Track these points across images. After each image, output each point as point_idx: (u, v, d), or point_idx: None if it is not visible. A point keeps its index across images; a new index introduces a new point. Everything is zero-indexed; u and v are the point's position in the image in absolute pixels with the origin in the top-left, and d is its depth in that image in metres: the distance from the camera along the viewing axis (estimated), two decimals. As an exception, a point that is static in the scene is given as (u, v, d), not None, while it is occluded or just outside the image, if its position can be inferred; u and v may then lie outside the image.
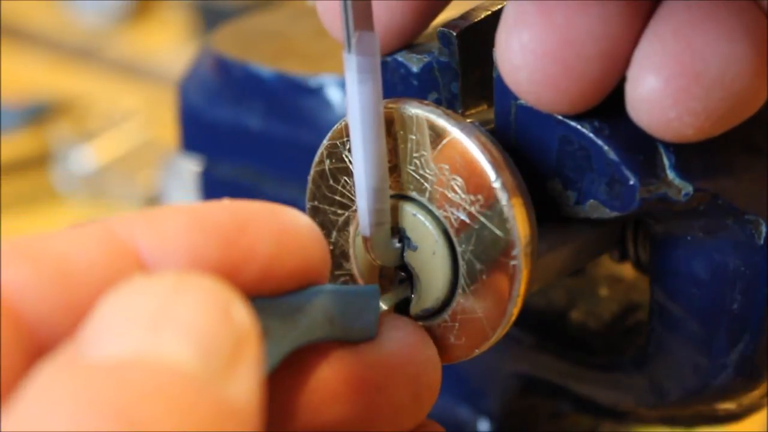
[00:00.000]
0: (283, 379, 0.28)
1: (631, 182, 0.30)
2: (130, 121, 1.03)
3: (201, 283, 0.23)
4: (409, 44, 0.33)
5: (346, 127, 0.30)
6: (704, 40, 0.27)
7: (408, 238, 0.31)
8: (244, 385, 0.22)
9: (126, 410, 0.20)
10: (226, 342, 0.22)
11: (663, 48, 0.27)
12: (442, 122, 0.29)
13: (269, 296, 0.27)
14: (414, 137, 0.30)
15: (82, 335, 0.22)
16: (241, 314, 0.23)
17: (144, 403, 0.20)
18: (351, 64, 0.28)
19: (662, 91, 0.27)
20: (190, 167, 0.50)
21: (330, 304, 0.28)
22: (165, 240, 0.25)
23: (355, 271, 0.32)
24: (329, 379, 0.28)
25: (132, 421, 0.20)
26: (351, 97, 0.29)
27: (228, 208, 0.26)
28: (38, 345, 0.23)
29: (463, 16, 0.33)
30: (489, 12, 0.33)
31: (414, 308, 0.31)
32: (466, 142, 0.29)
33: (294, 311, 0.27)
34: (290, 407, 0.28)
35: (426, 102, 0.30)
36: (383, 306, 0.31)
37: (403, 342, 0.29)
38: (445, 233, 0.30)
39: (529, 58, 0.28)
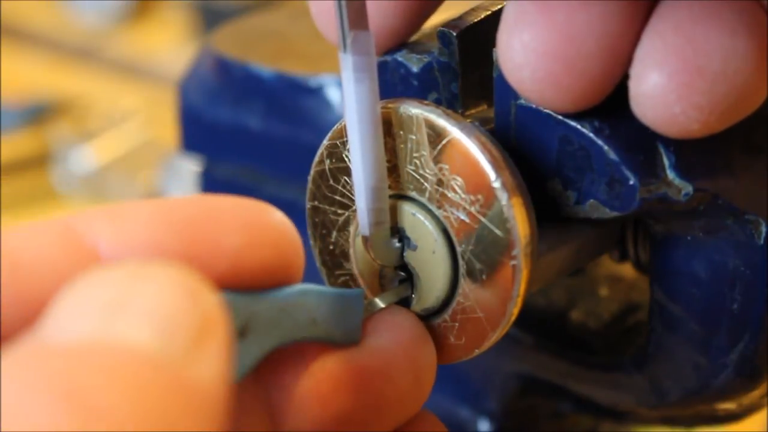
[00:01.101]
0: (291, 373, 0.28)
1: (631, 182, 0.30)
2: (130, 121, 1.03)
3: (163, 269, 0.23)
4: (402, 44, 0.33)
5: (346, 126, 0.30)
6: (705, 35, 0.27)
7: (408, 238, 0.31)
8: (210, 367, 0.22)
9: (79, 393, 0.20)
10: (189, 324, 0.22)
11: (664, 44, 0.27)
12: (441, 122, 0.29)
13: (249, 291, 0.27)
14: (414, 137, 0.30)
15: (41, 324, 0.22)
16: (207, 298, 0.23)
17: (98, 385, 0.20)
18: (347, 63, 0.28)
19: (666, 87, 0.27)
20: (190, 167, 0.50)
21: (314, 304, 0.28)
22: (125, 235, 0.25)
23: (355, 271, 0.32)
24: (335, 369, 0.28)
25: (86, 404, 0.20)
26: (348, 96, 0.29)
27: (194, 201, 0.26)
28: None
29: (463, 16, 0.33)
30: (489, 12, 0.33)
31: (414, 308, 0.31)
32: (466, 142, 0.29)
33: (276, 309, 0.27)
34: (300, 401, 0.28)
35: (426, 102, 0.30)
36: (381, 305, 0.31)
37: (401, 327, 0.30)
38: (445, 233, 0.30)
39: (531, 57, 0.28)
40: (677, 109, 0.27)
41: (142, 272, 0.23)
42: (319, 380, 0.28)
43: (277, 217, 0.27)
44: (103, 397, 0.20)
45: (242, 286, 0.27)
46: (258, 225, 0.27)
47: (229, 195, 0.27)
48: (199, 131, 0.49)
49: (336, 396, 0.28)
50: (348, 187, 0.31)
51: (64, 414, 0.19)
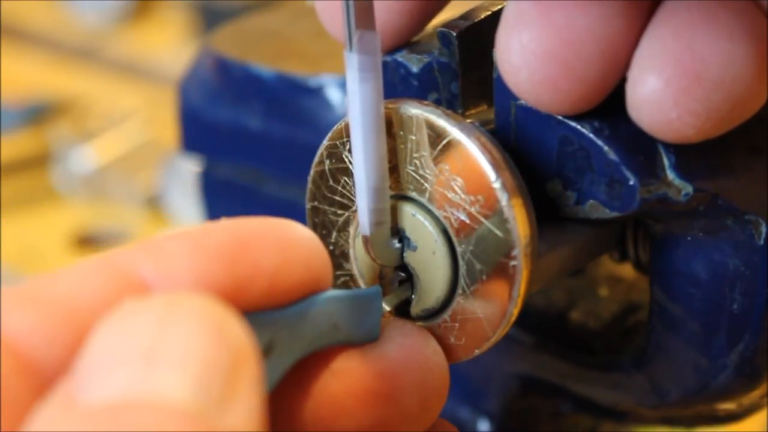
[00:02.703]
0: (293, 394, 0.28)
1: (631, 182, 0.30)
2: (130, 121, 1.03)
3: (192, 304, 0.23)
4: (405, 44, 0.33)
5: (346, 127, 0.30)
6: (704, 40, 0.27)
7: (408, 239, 0.31)
8: (243, 410, 0.22)
9: None
10: (222, 367, 0.22)
11: (663, 49, 0.27)
12: (442, 122, 0.29)
13: (274, 308, 0.27)
14: (414, 137, 0.30)
15: (76, 373, 0.22)
16: (236, 332, 0.23)
17: None
18: (352, 62, 0.28)
19: (663, 92, 0.27)
20: (190, 167, 0.50)
21: (334, 309, 0.28)
22: (168, 266, 0.25)
23: (355, 272, 0.32)
24: (338, 393, 0.28)
25: None
26: (352, 95, 0.29)
27: (228, 227, 0.26)
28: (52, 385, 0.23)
29: (463, 16, 0.33)
30: (489, 12, 0.33)
31: (414, 308, 0.31)
32: (466, 143, 0.29)
33: (299, 321, 0.27)
34: (300, 423, 0.28)
35: (426, 102, 0.30)
36: (385, 307, 0.31)
37: (409, 349, 0.29)
38: (445, 233, 0.30)
39: (530, 59, 0.28)
40: (673, 114, 0.27)
41: (169, 313, 0.22)
42: (337, 394, 0.28)
43: (305, 233, 0.27)
44: None
45: (277, 304, 0.27)
46: (290, 244, 0.27)
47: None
48: (199, 131, 0.49)
49: (353, 409, 0.28)
50: (348, 188, 0.31)
51: None
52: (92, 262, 0.25)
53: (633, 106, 0.28)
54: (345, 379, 0.28)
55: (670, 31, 0.27)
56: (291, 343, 0.27)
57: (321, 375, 0.28)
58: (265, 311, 0.26)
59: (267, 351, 0.26)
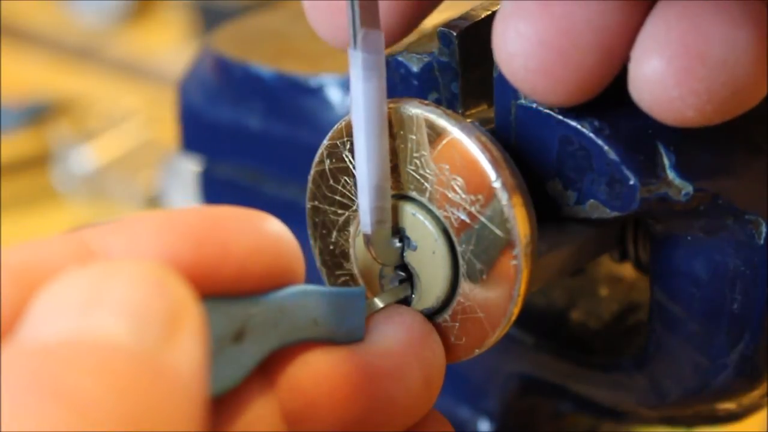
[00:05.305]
0: (302, 373, 0.28)
1: (632, 182, 0.30)
2: (130, 121, 1.03)
3: (132, 264, 0.23)
4: (402, 44, 0.33)
5: (347, 126, 0.30)
6: (708, 23, 0.27)
7: (408, 238, 0.31)
8: (185, 354, 0.22)
9: (63, 388, 0.20)
10: (161, 313, 0.23)
11: (667, 29, 0.27)
12: (442, 122, 0.29)
13: (247, 295, 0.27)
14: (414, 137, 0.30)
15: (20, 326, 0.23)
16: (177, 288, 0.23)
17: (80, 379, 0.20)
18: (356, 61, 0.28)
19: (665, 71, 0.27)
20: (190, 167, 0.50)
21: (314, 304, 0.28)
22: (135, 243, 0.26)
23: (356, 271, 0.32)
24: (345, 371, 0.28)
25: (70, 398, 0.20)
26: (355, 94, 0.29)
27: (198, 211, 0.27)
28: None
29: (463, 16, 0.33)
30: (489, 12, 0.33)
31: (414, 308, 0.31)
32: (466, 142, 0.29)
33: (274, 310, 0.27)
34: (310, 400, 0.28)
35: (426, 102, 0.30)
36: (381, 305, 0.31)
37: (409, 328, 0.30)
38: (445, 233, 0.30)
39: (525, 46, 0.28)
40: (675, 93, 0.27)
41: (112, 269, 0.23)
42: (329, 383, 0.28)
43: (276, 224, 0.28)
44: (84, 389, 0.20)
45: (248, 291, 0.27)
46: (260, 232, 0.27)
47: (229, 203, 0.28)
48: (199, 131, 0.49)
49: (346, 398, 0.28)
50: (348, 187, 0.31)
51: (50, 410, 0.20)
52: (61, 237, 0.25)
53: (634, 85, 0.28)
54: (350, 357, 0.28)
55: (674, 13, 0.27)
56: (265, 331, 0.27)
57: (325, 354, 0.28)
58: (236, 297, 0.26)
59: (239, 336, 0.26)
